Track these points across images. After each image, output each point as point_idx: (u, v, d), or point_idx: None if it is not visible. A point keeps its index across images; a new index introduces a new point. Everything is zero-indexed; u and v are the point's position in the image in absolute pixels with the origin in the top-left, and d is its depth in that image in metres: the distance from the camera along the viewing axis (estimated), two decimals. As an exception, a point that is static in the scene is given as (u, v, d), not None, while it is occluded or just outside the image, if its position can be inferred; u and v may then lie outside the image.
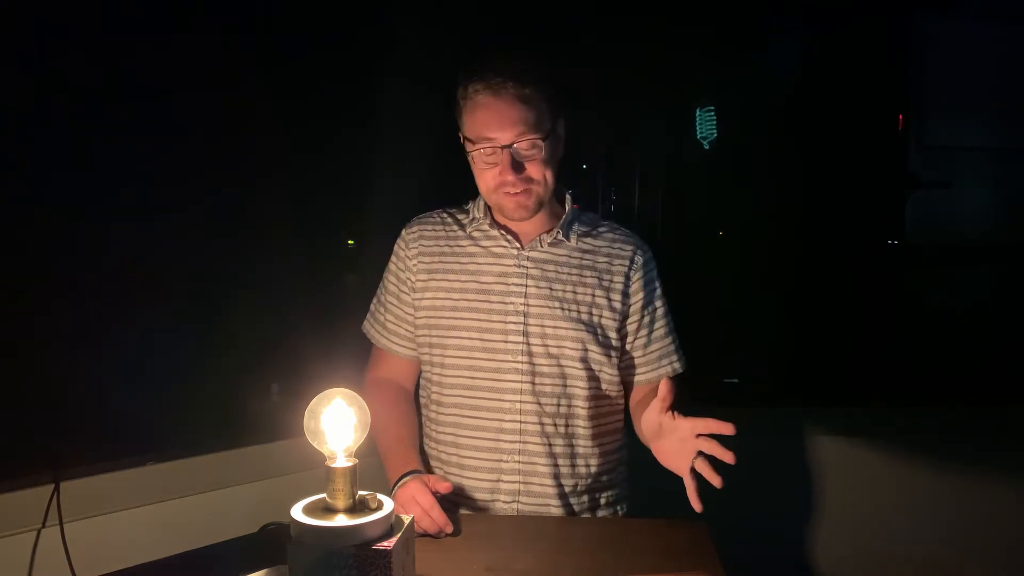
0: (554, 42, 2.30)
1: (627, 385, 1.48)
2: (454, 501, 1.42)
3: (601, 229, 1.48)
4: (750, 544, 1.74)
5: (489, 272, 1.41)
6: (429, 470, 1.46)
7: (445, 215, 1.51)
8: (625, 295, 1.43)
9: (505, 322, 1.38)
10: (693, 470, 1.10)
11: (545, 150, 1.34)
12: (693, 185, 3.10)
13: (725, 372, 2.88)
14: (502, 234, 1.43)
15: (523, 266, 1.41)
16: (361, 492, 0.93)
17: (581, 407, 1.39)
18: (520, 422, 1.37)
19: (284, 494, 1.00)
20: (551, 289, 1.39)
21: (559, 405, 1.38)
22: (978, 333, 3.03)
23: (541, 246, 1.42)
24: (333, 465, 0.91)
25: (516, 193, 1.35)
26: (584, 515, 1.43)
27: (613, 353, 1.42)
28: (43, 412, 1.64)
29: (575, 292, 1.40)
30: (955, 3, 3.27)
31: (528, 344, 1.37)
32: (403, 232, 1.51)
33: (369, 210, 2.22)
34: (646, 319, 1.45)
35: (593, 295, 1.40)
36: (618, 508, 1.49)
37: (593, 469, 1.42)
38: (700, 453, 1.10)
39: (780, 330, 2.92)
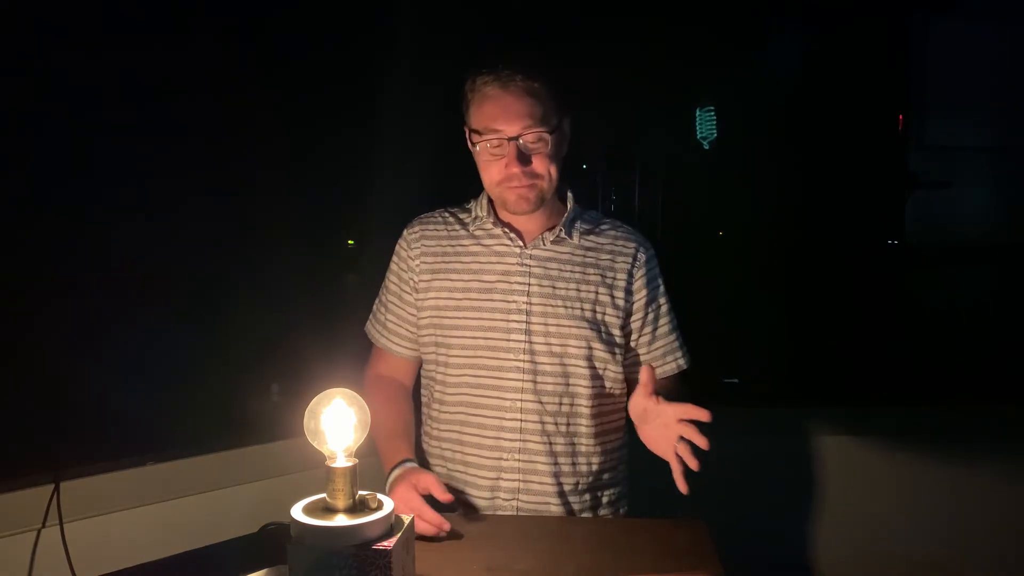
0: (554, 42, 2.30)
1: (631, 383, 1.47)
2: (456, 497, 1.43)
3: (604, 227, 1.48)
4: (750, 544, 1.74)
5: (492, 271, 1.41)
6: (424, 463, 1.47)
7: (447, 214, 1.51)
8: (628, 292, 1.43)
9: (508, 320, 1.38)
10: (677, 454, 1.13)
11: (551, 145, 1.34)
12: (693, 185, 3.10)
13: (725, 372, 2.88)
14: (505, 232, 1.42)
15: (526, 264, 1.41)
16: (361, 492, 0.93)
17: (583, 405, 1.39)
18: (520, 420, 1.37)
19: (284, 494, 1.00)
20: (554, 287, 1.39)
21: (560, 404, 1.38)
22: (978, 333, 3.03)
23: (544, 244, 1.42)
24: (333, 465, 0.91)
25: (520, 187, 1.35)
26: (584, 514, 1.43)
27: (617, 351, 1.42)
28: (43, 412, 1.64)
29: (578, 290, 1.40)
30: (955, 3, 3.27)
31: (530, 343, 1.37)
32: (405, 232, 1.51)
33: (369, 210, 2.22)
34: (650, 316, 1.45)
35: (596, 292, 1.40)
36: (619, 507, 1.49)
37: (594, 467, 1.42)
38: (682, 438, 1.13)
39: (780, 330, 2.92)
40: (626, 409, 1.47)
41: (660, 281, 1.48)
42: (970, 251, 3.33)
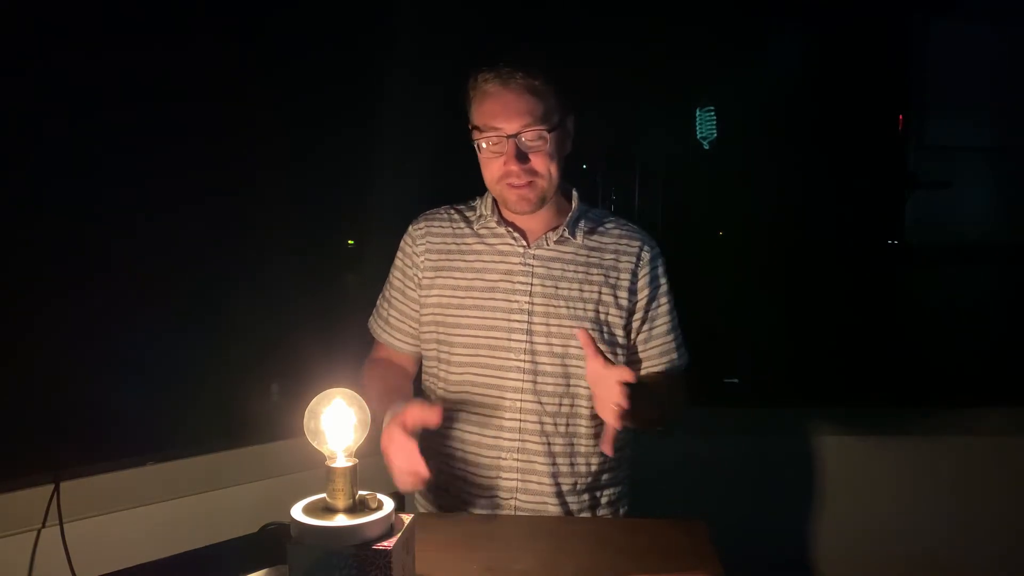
0: (554, 42, 2.30)
1: None
2: (455, 495, 1.43)
3: (608, 225, 1.47)
4: (750, 544, 1.74)
5: (495, 270, 1.41)
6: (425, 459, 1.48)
7: (452, 212, 1.51)
8: (632, 291, 1.41)
9: (509, 320, 1.38)
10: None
11: (551, 143, 1.33)
12: (693, 185, 3.10)
13: (725, 372, 2.88)
14: (508, 231, 1.42)
15: (529, 264, 1.40)
16: (361, 492, 0.93)
17: (584, 406, 1.39)
18: (520, 420, 1.37)
19: (284, 494, 1.00)
20: (556, 287, 1.39)
21: (560, 404, 1.38)
22: (978, 333, 3.04)
23: (547, 244, 1.42)
24: (333, 465, 0.91)
25: (519, 186, 1.35)
26: (583, 514, 1.42)
27: (619, 351, 1.41)
28: (43, 412, 1.64)
29: (581, 290, 1.39)
30: (955, 3, 3.27)
31: (531, 343, 1.37)
32: (410, 228, 1.51)
33: (369, 210, 2.22)
34: (650, 315, 1.44)
35: (600, 292, 1.40)
36: (618, 507, 1.48)
37: (593, 468, 1.42)
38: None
39: (780, 330, 2.92)
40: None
41: (664, 280, 1.46)
42: (970, 251, 3.33)
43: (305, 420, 0.94)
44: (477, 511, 1.40)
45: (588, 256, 1.42)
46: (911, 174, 3.27)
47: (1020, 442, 2.23)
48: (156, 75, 1.84)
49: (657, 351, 1.45)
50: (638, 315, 1.43)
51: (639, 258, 1.42)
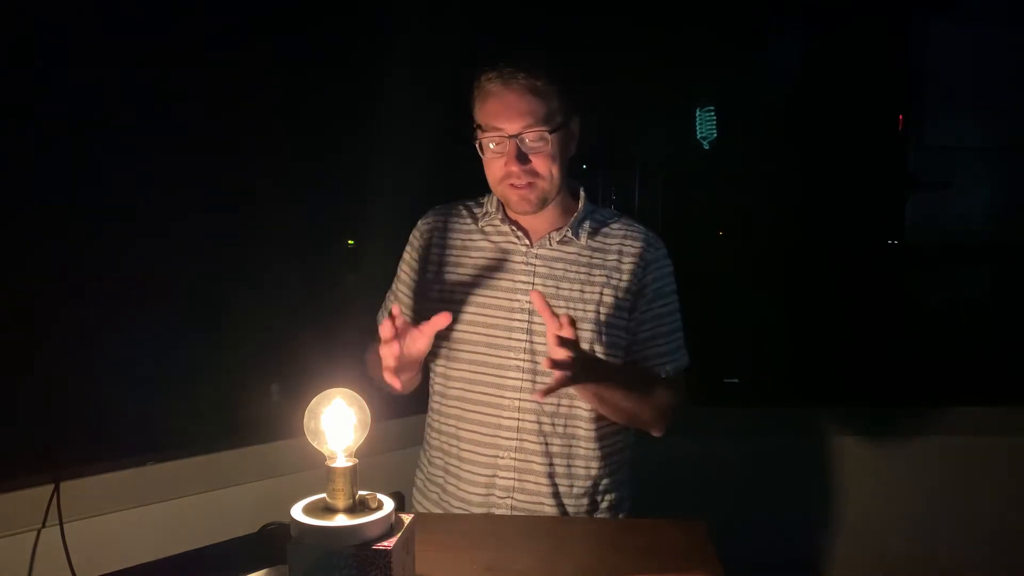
0: (555, 42, 2.30)
1: None
2: (451, 493, 1.43)
3: (614, 226, 1.46)
4: (750, 544, 1.74)
5: (497, 268, 1.41)
6: (427, 455, 1.49)
7: (461, 207, 1.51)
8: (633, 292, 1.40)
9: (510, 319, 1.38)
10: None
11: (553, 144, 1.33)
12: (693, 185, 3.10)
13: (725, 372, 2.88)
14: (512, 230, 1.42)
15: (531, 264, 1.40)
16: (361, 492, 0.93)
17: (583, 408, 1.39)
18: (518, 419, 1.37)
19: (284, 494, 1.00)
20: (558, 288, 1.39)
21: (559, 405, 1.38)
22: (978, 333, 3.03)
23: (550, 244, 1.42)
24: (333, 465, 0.91)
25: (520, 186, 1.35)
26: (580, 515, 1.42)
27: (620, 353, 1.41)
28: (43, 412, 1.64)
29: (582, 291, 1.39)
30: (955, 3, 3.27)
31: (531, 342, 1.37)
32: (419, 222, 1.52)
33: (369, 210, 2.22)
34: (650, 315, 1.42)
35: (601, 293, 1.39)
36: (618, 512, 1.47)
37: (592, 471, 1.41)
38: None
39: (780, 330, 2.92)
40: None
41: (666, 281, 1.44)
42: (970, 251, 3.33)
43: (305, 420, 0.94)
44: (473, 509, 1.40)
45: (591, 257, 1.41)
46: (911, 174, 3.27)
47: (1021, 442, 2.23)
48: (157, 77, 1.84)
49: (657, 352, 1.43)
50: (638, 316, 1.42)
51: (641, 259, 1.41)
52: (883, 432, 2.27)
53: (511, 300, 1.39)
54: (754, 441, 2.22)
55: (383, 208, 2.17)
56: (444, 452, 1.45)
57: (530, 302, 1.38)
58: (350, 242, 2.41)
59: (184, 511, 1.69)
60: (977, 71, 3.21)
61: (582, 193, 1.45)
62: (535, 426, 1.37)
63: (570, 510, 1.40)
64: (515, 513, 1.38)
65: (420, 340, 1.25)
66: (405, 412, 1.94)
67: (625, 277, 1.40)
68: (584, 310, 1.38)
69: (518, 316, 1.38)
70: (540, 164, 1.34)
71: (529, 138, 1.32)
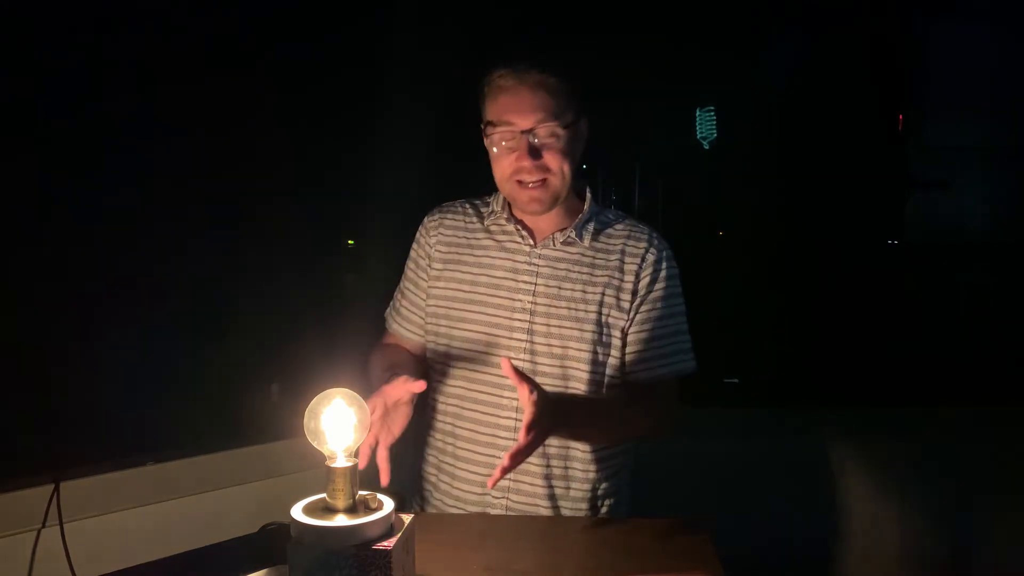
0: (554, 42, 2.30)
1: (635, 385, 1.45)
2: (445, 491, 1.43)
3: (618, 227, 1.45)
4: (750, 544, 1.74)
5: (500, 267, 1.41)
6: (423, 454, 1.49)
7: (467, 205, 1.51)
8: (633, 293, 1.40)
9: (511, 319, 1.38)
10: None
11: (564, 140, 1.33)
12: (693, 185, 3.10)
13: (725, 372, 2.88)
14: (517, 229, 1.42)
15: (534, 264, 1.40)
16: (361, 492, 0.93)
17: None
18: (515, 420, 1.36)
19: (284, 494, 1.00)
20: (560, 288, 1.38)
21: (558, 406, 1.38)
22: (978, 333, 3.04)
23: (554, 244, 1.41)
24: (333, 465, 0.91)
25: (531, 186, 1.34)
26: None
27: (619, 354, 1.40)
28: (43, 412, 1.64)
29: (584, 291, 1.38)
30: (955, 4, 3.27)
31: (532, 343, 1.37)
32: (425, 219, 1.52)
33: (369, 210, 2.22)
34: (649, 316, 1.41)
35: (603, 295, 1.38)
36: (615, 515, 1.47)
37: (590, 474, 1.40)
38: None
39: (780, 330, 2.93)
40: None
41: (668, 283, 1.43)
42: (970, 251, 3.33)
43: (305, 420, 0.94)
44: (469, 508, 1.40)
45: (594, 258, 1.41)
46: (911, 174, 3.27)
47: (1021, 442, 2.23)
48: (155, 74, 1.84)
49: (655, 355, 1.42)
50: (637, 317, 1.41)
51: (643, 260, 1.41)
52: (883, 432, 2.26)
53: (513, 300, 1.39)
54: (754, 441, 2.21)
55: (383, 208, 2.17)
56: (440, 450, 1.45)
57: (532, 302, 1.38)
58: (350, 242, 2.41)
59: (184, 511, 1.69)
60: (977, 71, 3.21)
61: (588, 194, 1.45)
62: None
63: (566, 514, 1.40)
64: (510, 514, 1.38)
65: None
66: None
67: (627, 278, 1.40)
68: (586, 311, 1.37)
69: (519, 316, 1.38)
70: (552, 160, 1.34)
71: (541, 133, 1.32)
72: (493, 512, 1.39)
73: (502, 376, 1.36)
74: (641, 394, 1.40)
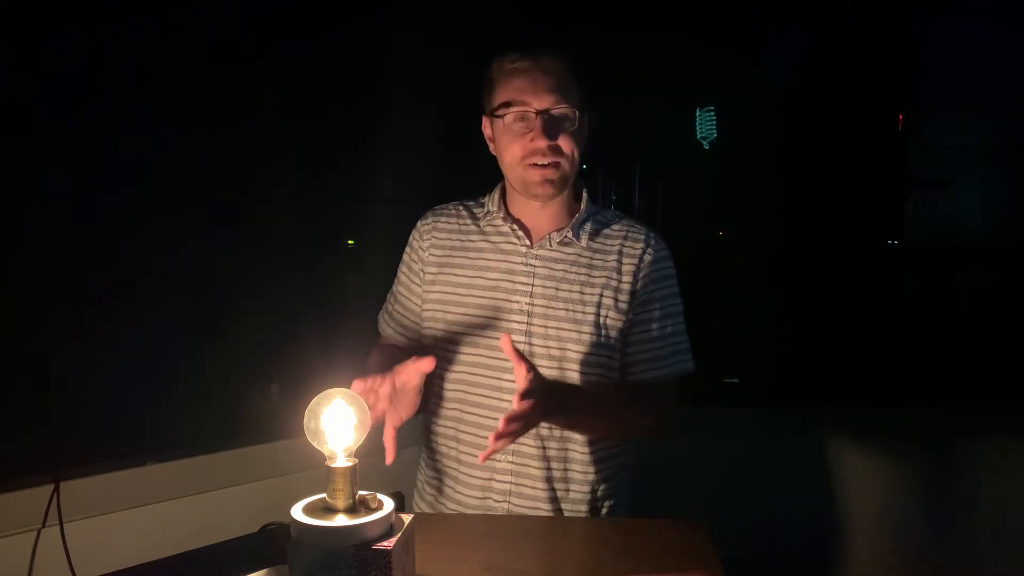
0: (555, 40, 2.30)
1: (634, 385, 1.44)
2: (447, 496, 1.43)
3: (615, 227, 1.44)
4: (750, 544, 1.74)
5: (496, 269, 1.40)
6: (425, 458, 1.49)
7: (461, 208, 1.50)
8: (631, 294, 1.39)
9: (509, 321, 1.37)
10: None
11: (577, 124, 1.34)
12: (693, 185, 3.10)
13: (725, 372, 2.88)
14: (513, 229, 1.41)
15: (530, 265, 1.39)
16: (361, 492, 0.93)
17: None
18: (516, 422, 1.36)
19: (284, 494, 1.00)
20: (557, 289, 1.37)
21: (556, 407, 1.37)
22: (978, 333, 3.03)
23: (550, 245, 1.40)
24: (333, 465, 0.91)
25: (544, 165, 1.34)
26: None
27: (617, 355, 1.40)
28: (43, 412, 1.64)
29: (582, 292, 1.37)
30: (955, 4, 3.27)
31: (530, 344, 1.36)
32: (419, 223, 1.51)
33: (369, 210, 2.22)
34: (647, 317, 1.40)
35: (600, 295, 1.37)
36: (615, 516, 1.47)
37: (590, 475, 1.40)
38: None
39: (780, 330, 2.93)
40: None
41: (666, 283, 1.42)
42: (970, 251, 3.33)
43: (305, 420, 0.94)
44: (470, 512, 1.39)
45: (591, 258, 1.40)
46: (911, 174, 3.27)
47: (1021, 442, 2.23)
48: (155, 74, 1.84)
49: (651, 356, 1.41)
50: (634, 317, 1.40)
51: (640, 260, 1.40)
52: (883, 432, 2.27)
53: (510, 302, 1.38)
54: (754, 441, 2.22)
55: (383, 208, 2.17)
56: (442, 455, 1.44)
57: (529, 303, 1.37)
58: (350, 242, 2.41)
59: (184, 511, 1.69)
60: (977, 71, 3.21)
61: (584, 194, 1.45)
62: (532, 429, 1.37)
63: (567, 513, 1.40)
64: (515, 516, 1.38)
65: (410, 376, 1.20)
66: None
67: (625, 279, 1.39)
68: (583, 312, 1.37)
69: (516, 318, 1.37)
70: (565, 143, 1.34)
71: (556, 112, 1.32)
72: (497, 515, 1.38)
73: (501, 379, 1.36)
74: (640, 395, 1.39)
